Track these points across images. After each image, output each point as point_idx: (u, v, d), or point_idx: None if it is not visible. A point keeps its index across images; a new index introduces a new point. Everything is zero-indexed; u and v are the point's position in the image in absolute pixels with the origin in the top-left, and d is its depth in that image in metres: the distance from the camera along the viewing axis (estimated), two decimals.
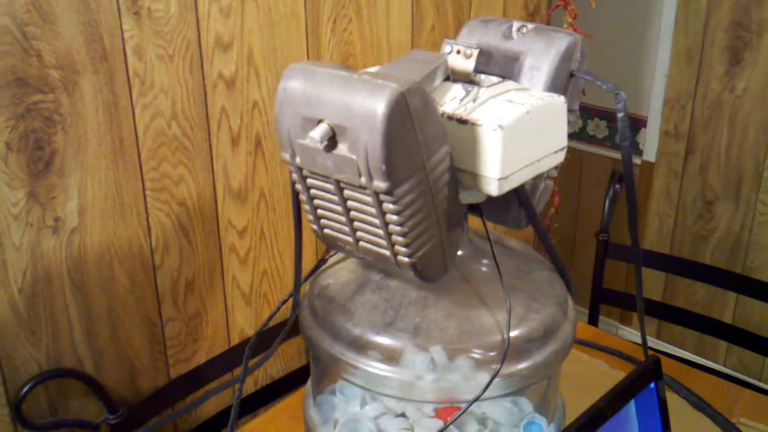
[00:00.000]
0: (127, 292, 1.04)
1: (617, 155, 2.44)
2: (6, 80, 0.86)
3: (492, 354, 0.70)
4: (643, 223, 2.45)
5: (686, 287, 2.36)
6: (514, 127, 0.64)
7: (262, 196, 1.17)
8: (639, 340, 0.85)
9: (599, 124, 2.49)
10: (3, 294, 0.91)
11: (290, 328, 0.80)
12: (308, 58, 1.17)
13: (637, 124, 2.40)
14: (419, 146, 0.61)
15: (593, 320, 1.57)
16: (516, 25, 0.77)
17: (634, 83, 2.36)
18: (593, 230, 2.49)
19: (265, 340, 1.06)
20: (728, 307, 2.31)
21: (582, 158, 2.50)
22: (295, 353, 1.30)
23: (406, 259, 0.65)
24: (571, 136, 2.46)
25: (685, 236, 2.37)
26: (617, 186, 1.50)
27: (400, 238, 0.64)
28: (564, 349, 0.75)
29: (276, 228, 1.20)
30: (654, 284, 2.44)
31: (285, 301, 0.79)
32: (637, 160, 2.42)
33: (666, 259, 1.75)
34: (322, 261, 0.81)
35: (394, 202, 0.61)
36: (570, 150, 0.72)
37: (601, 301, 1.54)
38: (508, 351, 0.70)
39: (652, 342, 2.48)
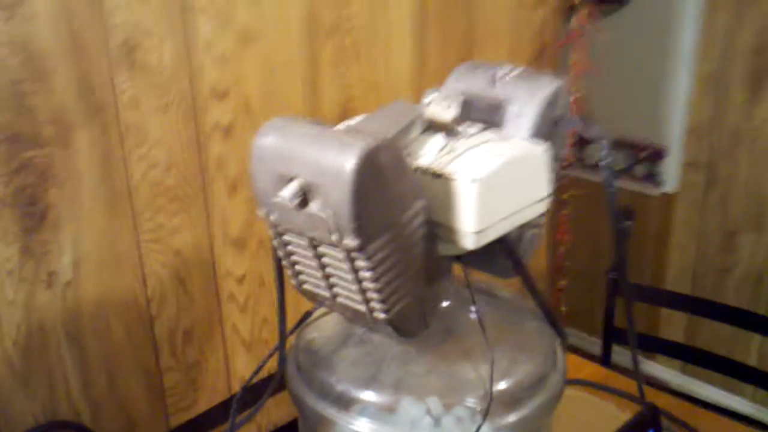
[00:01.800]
0: (123, 343, 1.04)
1: (633, 187, 2.41)
2: (0, 137, 0.87)
3: (476, 409, 0.69)
4: (663, 255, 2.40)
5: (709, 325, 2.30)
6: (491, 180, 0.63)
7: (261, 243, 1.16)
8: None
9: (616, 156, 2.46)
10: None
11: (276, 384, 0.79)
12: (308, 103, 1.17)
13: (657, 154, 2.37)
14: (391, 202, 0.60)
15: (606, 360, 1.53)
16: (501, 70, 0.76)
17: (654, 112, 2.33)
18: (606, 264, 2.44)
19: (262, 388, 1.05)
20: (754, 346, 2.25)
21: (599, 191, 2.46)
22: None
23: (382, 315, 0.64)
24: (589, 168, 2.44)
25: (707, 269, 2.32)
26: (628, 222, 1.47)
27: (374, 295, 0.63)
28: (553, 399, 0.73)
29: None
30: (676, 323, 2.38)
31: (270, 355, 0.79)
32: (656, 192, 2.38)
33: (687, 300, 1.70)
34: (307, 313, 0.80)
35: (366, 259, 0.60)
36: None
37: (614, 341, 1.51)
38: (495, 404, 0.68)
39: (678, 378, 2.42)
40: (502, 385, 0.69)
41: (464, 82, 0.78)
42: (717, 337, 2.28)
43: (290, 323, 1.23)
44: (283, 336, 0.78)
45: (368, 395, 0.70)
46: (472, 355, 0.71)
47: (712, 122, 2.20)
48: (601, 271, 2.52)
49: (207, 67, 1.04)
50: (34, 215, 0.92)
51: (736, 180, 2.19)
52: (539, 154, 0.69)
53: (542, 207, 0.71)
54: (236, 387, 1.19)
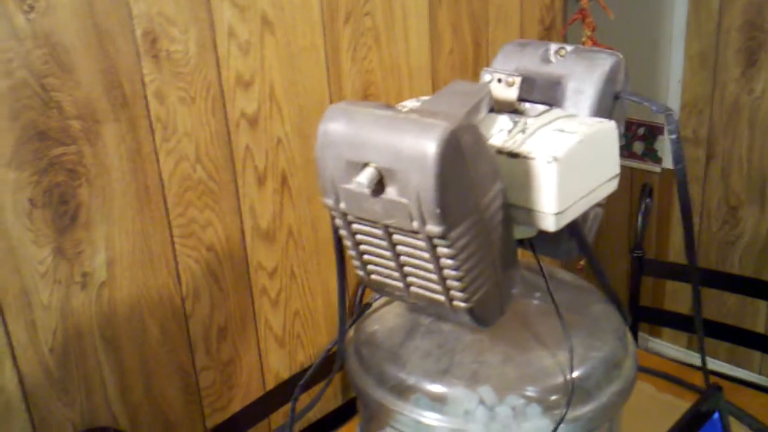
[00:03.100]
0: (159, 344, 1.00)
1: (635, 164, 2.40)
2: (27, 135, 0.83)
3: (555, 397, 0.66)
4: (667, 231, 2.40)
5: (716, 297, 2.31)
6: (569, 158, 0.61)
7: (290, 234, 1.13)
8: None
9: None
10: (33, 355, 0.88)
11: (333, 375, 0.76)
12: (330, 89, 1.14)
13: (654, 131, 2.37)
14: (473, 185, 0.58)
15: (633, 338, 1.52)
16: (554, 47, 0.74)
17: (649, 90, 2.32)
18: (616, 242, 2.44)
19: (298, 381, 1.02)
20: (760, 315, 2.26)
21: None
22: (332, 394, 1.26)
23: (462, 304, 0.62)
24: None
25: (711, 243, 2.32)
26: (648, 200, 1.46)
27: (455, 283, 0.60)
28: (628, 386, 0.71)
29: (306, 266, 1.17)
30: (683, 296, 2.39)
31: (329, 350, 0.76)
32: (656, 168, 2.38)
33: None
34: (366, 306, 0.78)
35: (449, 246, 0.58)
36: None
37: (639, 319, 1.50)
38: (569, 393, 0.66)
39: (684, 354, 2.43)
40: (578, 373, 0.67)
41: (514, 60, 0.75)
42: (724, 309, 2.29)
43: (323, 315, 1.21)
44: (342, 328, 0.75)
45: (437, 388, 0.67)
46: (546, 341, 0.69)
47: (708, 98, 2.20)
48: (607, 251, 2.52)
49: (232, 54, 1.01)
50: (65, 215, 0.88)
51: (736, 153, 2.19)
52: (610, 130, 0.67)
53: (614, 185, 0.69)
54: (270, 384, 1.16)
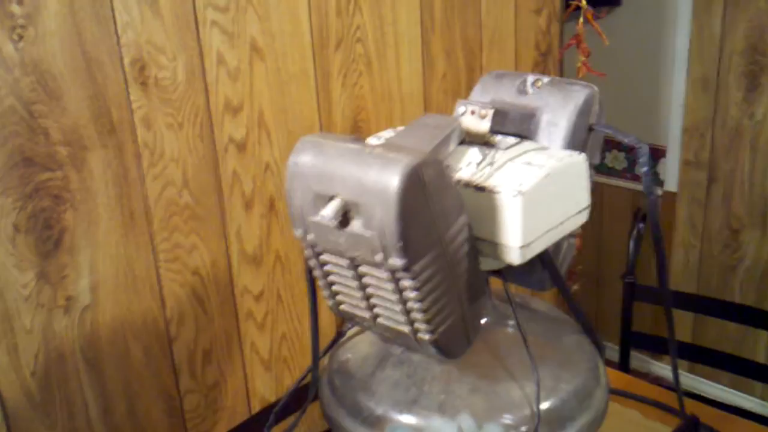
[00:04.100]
0: (142, 367, 1.01)
1: (638, 186, 2.41)
2: (14, 161, 0.85)
3: (522, 429, 0.67)
4: (668, 255, 2.39)
5: (716, 323, 2.29)
6: (535, 192, 0.62)
7: (277, 258, 1.14)
8: (669, 376, 0.81)
9: (617, 155, 2.45)
10: (15, 379, 0.89)
11: (308, 403, 0.77)
12: (319, 115, 1.15)
13: (656, 154, 2.37)
14: (436, 219, 0.58)
15: (624, 364, 1.52)
16: (530, 79, 0.74)
17: (652, 113, 2.33)
18: (618, 265, 2.43)
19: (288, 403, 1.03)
20: (760, 343, 2.24)
21: (602, 191, 2.46)
22: (319, 416, 1.26)
23: (426, 336, 0.62)
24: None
25: (712, 267, 2.31)
26: (641, 225, 1.46)
27: (419, 315, 0.61)
28: (598, 418, 0.71)
29: (293, 290, 1.18)
30: (683, 323, 2.37)
31: (302, 379, 0.77)
32: (658, 191, 2.38)
33: (694, 299, 1.69)
34: (339, 334, 0.78)
35: (411, 279, 0.58)
36: None
37: (631, 344, 1.49)
38: (540, 425, 0.66)
39: (686, 377, 2.41)
40: (547, 404, 0.67)
41: (491, 92, 0.76)
42: (724, 335, 2.28)
43: (310, 338, 1.21)
44: (316, 357, 0.75)
45: (404, 419, 0.68)
46: (515, 372, 0.69)
47: (711, 121, 2.20)
48: (609, 275, 2.51)
49: (220, 81, 1.02)
50: (49, 240, 0.89)
51: (738, 177, 2.19)
52: (580, 163, 0.67)
53: (583, 217, 0.69)
54: (256, 407, 1.17)
